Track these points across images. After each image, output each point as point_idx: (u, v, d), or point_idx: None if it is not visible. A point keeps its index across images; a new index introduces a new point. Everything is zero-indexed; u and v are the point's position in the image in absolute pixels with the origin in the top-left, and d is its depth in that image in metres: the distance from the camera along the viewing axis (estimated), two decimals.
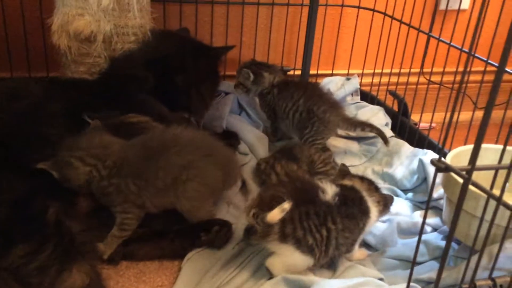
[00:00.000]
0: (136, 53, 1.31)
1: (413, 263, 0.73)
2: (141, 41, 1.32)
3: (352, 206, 0.94)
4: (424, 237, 1.11)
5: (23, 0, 1.46)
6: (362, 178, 1.03)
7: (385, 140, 1.39)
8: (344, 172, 1.07)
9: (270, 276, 0.93)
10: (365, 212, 0.96)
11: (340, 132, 1.52)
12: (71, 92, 1.16)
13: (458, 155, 1.08)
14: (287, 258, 0.90)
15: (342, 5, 1.79)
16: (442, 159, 0.64)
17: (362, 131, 1.42)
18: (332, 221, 0.90)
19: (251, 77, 1.46)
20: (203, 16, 1.71)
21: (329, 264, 0.99)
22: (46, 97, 1.11)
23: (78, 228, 0.92)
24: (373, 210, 0.98)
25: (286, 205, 0.86)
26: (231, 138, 1.46)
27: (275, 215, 0.86)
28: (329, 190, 0.94)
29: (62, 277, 0.84)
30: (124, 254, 1.00)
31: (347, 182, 1.01)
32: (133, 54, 1.30)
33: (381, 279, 0.94)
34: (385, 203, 1.02)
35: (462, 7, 1.80)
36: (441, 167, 0.65)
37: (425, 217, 0.71)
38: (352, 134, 1.53)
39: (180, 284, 0.93)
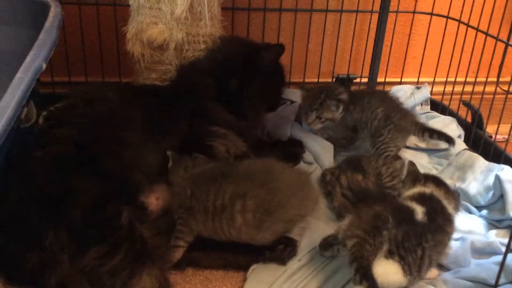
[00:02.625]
0: (201, 60, 1.32)
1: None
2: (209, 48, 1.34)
3: (439, 218, 0.92)
4: (499, 258, 1.06)
5: (99, 9, 1.53)
6: (437, 182, 1.01)
7: (452, 143, 1.39)
8: (414, 173, 1.05)
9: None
10: (450, 220, 0.95)
11: (409, 143, 1.47)
12: (144, 98, 1.19)
13: None
14: (386, 274, 0.88)
15: (414, 12, 1.74)
16: None
17: (430, 138, 1.40)
18: (425, 240, 0.88)
19: (341, 107, 1.39)
20: (271, 23, 1.71)
21: None
22: (121, 102, 1.14)
23: (149, 233, 0.94)
24: (454, 215, 0.96)
25: None
26: (296, 146, 1.44)
27: None
28: (419, 210, 0.92)
29: (132, 281, 0.87)
30: (189, 260, 1.02)
31: (425, 189, 0.99)
32: (198, 61, 1.32)
33: None
34: (457, 203, 1.02)
35: None
36: None
37: (510, 241, 0.66)
38: (421, 145, 1.47)
39: None
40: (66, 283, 0.86)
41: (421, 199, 0.95)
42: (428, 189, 0.99)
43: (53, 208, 0.92)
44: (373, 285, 0.85)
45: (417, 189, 1.00)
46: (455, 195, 1.01)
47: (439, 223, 0.92)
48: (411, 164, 1.08)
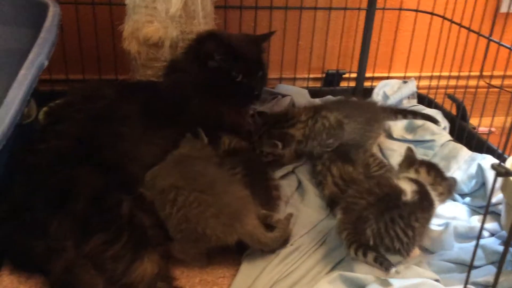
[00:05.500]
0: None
1: (471, 265, 0.74)
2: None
3: (425, 199, 0.98)
4: (481, 241, 1.11)
5: (95, 8, 1.57)
6: (431, 167, 1.06)
7: (435, 121, 1.48)
8: (411, 158, 1.09)
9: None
10: (432, 204, 1.00)
11: (396, 135, 1.53)
12: (140, 93, 1.24)
13: None
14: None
15: (400, 9, 1.80)
16: (502, 163, 0.66)
17: (404, 118, 1.49)
18: (415, 219, 0.94)
19: (279, 145, 1.29)
20: (262, 21, 1.76)
21: None
22: (118, 98, 1.19)
23: (149, 222, 0.99)
24: (436, 201, 1.01)
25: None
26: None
27: None
28: (409, 189, 0.97)
29: (134, 265, 0.91)
30: None
31: (412, 174, 1.04)
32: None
33: (437, 281, 0.96)
34: (449, 189, 1.06)
35: None
36: (501, 171, 0.66)
37: (483, 221, 0.72)
38: (408, 137, 1.53)
39: (240, 276, 0.99)
40: (71, 268, 0.90)
41: (412, 180, 1.01)
42: (415, 175, 1.04)
43: (57, 199, 0.97)
44: (379, 254, 0.93)
45: (407, 174, 1.05)
46: (450, 184, 1.06)
47: (426, 204, 0.98)
48: (409, 149, 1.12)
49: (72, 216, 0.95)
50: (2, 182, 1.00)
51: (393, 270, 0.93)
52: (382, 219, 0.93)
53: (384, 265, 0.93)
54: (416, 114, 1.53)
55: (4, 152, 0.88)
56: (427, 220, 0.98)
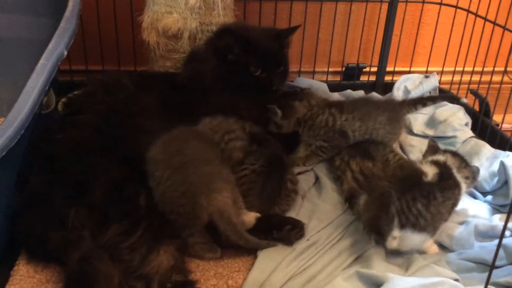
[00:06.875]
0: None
1: (492, 265, 0.73)
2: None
3: (448, 179, 1.02)
4: (503, 241, 1.09)
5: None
6: (454, 154, 1.12)
7: (456, 99, 1.50)
8: (434, 148, 1.14)
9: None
10: (457, 184, 1.03)
11: (416, 131, 1.50)
12: (159, 85, 1.24)
13: None
14: (407, 239, 0.98)
15: (423, 2, 1.76)
16: None
17: (424, 106, 1.51)
18: (434, 197, 0.97)
19: (279, 113, 1.30)
20: (282, 13, 1.74)
21: (401, 261, 1.00)
22: (137, 90, 1.19)
23: None
24: (462, 184, 1.05)
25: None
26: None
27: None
28: (430, 172, 1.01)
29: (150, 257, 0.91)
30: None
31: (440, 157, 1.08)
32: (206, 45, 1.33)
33: (456, 280, 0.94)
34: (473, 176, 1.13)
35: None
36: None
37: (507, 220, 0.70)
38: (429, 133, 1.50)
39: (256, 270, 0.98)
40: (88, 258, 0.90)
41: (435, 163, 1.05)
42: (443, 158, 1.08)
43: (75, 189, 0.97)
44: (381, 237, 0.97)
45: (434, 157, 1.10)
46: (473, 171, 1.13)
47: (450, 183, 1.01)
48: (432, 140, 1.18)
49: (90, 207, 0.95)
50: (21, 171, 1.00)
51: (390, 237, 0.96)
52: (403, 197, 0.95)
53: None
54: (434, 99, 1.53)
55: (23, 141, 0.89)
56: (450, 199, 1.01)
